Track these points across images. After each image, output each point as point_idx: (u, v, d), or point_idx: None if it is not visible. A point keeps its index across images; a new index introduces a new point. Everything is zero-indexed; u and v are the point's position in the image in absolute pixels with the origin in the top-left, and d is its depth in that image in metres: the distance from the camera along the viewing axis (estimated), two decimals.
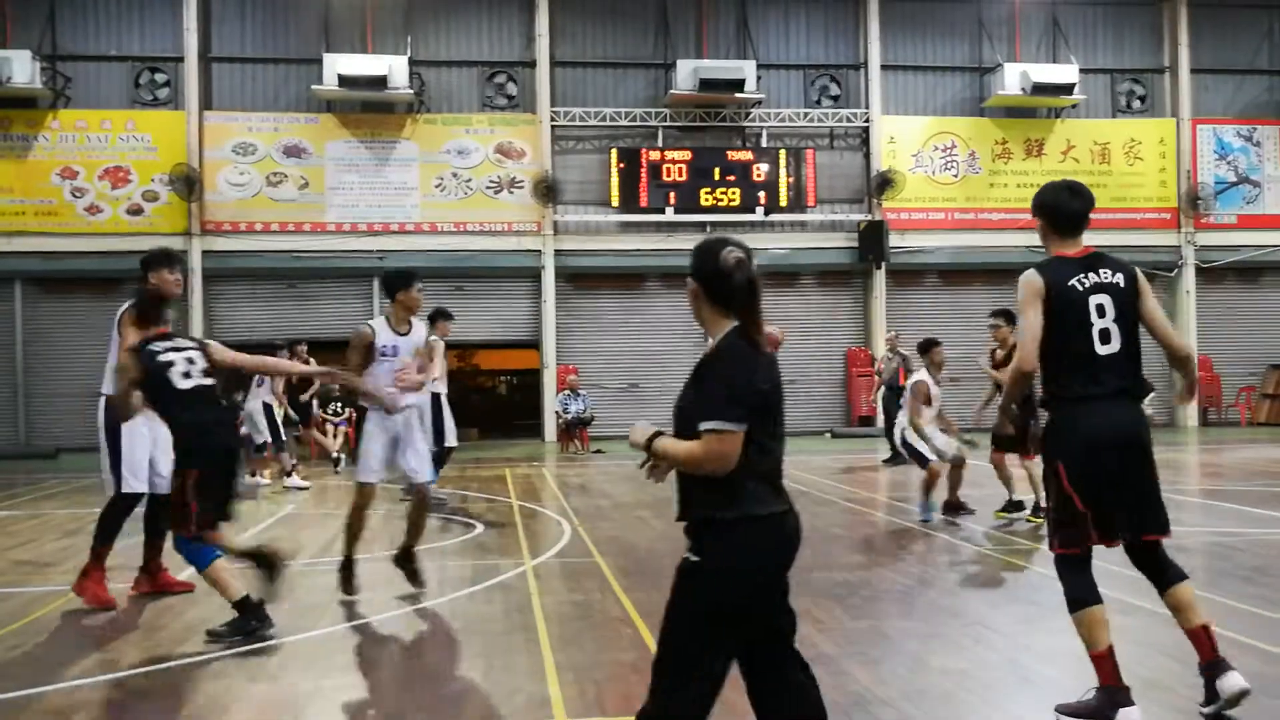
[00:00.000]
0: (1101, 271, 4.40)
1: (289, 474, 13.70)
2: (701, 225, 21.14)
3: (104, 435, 6.95)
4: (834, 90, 22.71)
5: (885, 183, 22.17)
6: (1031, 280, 4.39)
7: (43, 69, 20.16)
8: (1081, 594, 4.29)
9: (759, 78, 21.58)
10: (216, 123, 20.93)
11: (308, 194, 21.05)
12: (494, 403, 29.89)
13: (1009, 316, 9.80)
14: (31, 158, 20.51)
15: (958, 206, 22.64)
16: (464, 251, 21.20)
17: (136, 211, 20.71)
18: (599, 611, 6.42)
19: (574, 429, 19.41)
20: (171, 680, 5.20)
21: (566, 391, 19.74)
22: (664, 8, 22.16)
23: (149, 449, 6.98)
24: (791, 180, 21.95)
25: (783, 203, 21.91)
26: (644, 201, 21.51)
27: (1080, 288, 4.35)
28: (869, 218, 22.25)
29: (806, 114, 22.37)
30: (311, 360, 15.53)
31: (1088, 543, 4.32)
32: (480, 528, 9.90)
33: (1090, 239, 4.53)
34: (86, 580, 6.81)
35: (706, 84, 21.21)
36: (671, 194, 21.53)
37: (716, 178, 21.76)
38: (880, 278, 22.26)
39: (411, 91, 20.84)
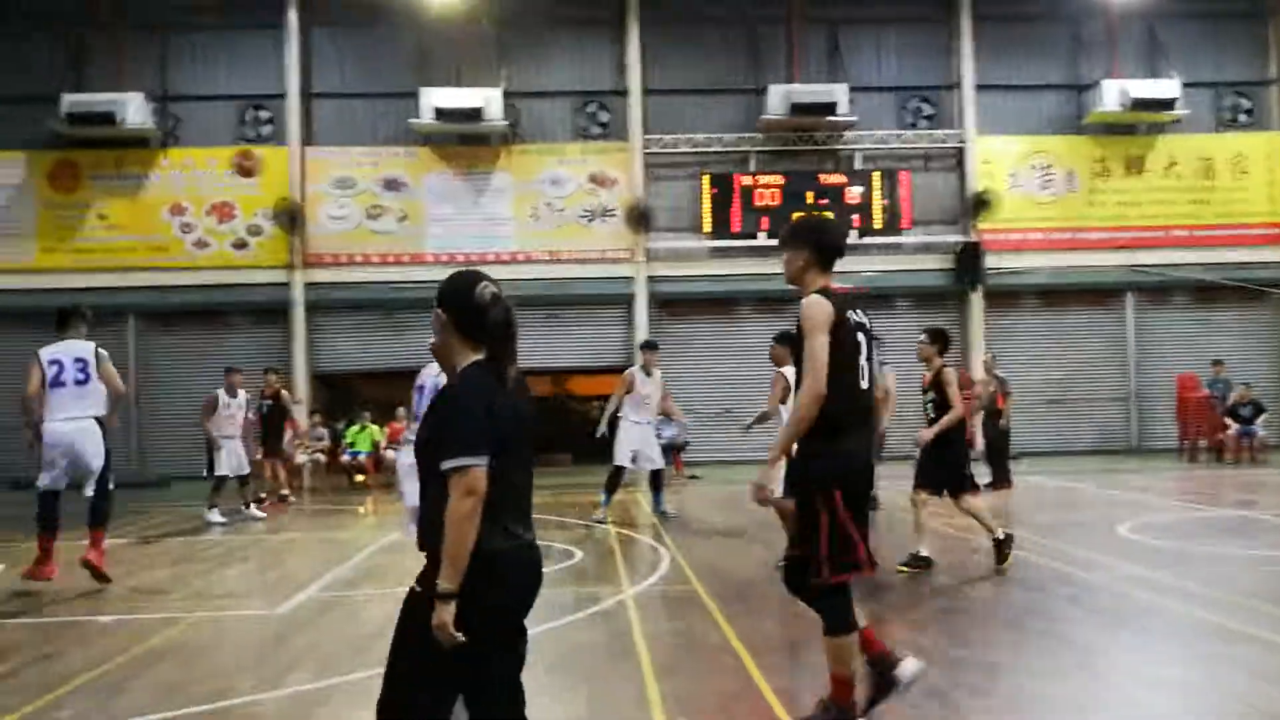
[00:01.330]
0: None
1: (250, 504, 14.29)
2: None
3: None
4: (927, 111, 22.53)
5: (981, 203, 21.88)
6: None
7: (154, 110, 20.90)
8: (851, 618, 4.48)
9: (851, 100, 21.50)
10: (318, 158, 21.49)
11: (406, 226, 21.48)
12: (587, 429, 29.99)
13: (935, 335, 9.30)
14: (143, 195, 21.25)
15: (1055, 226, 22.24)
16: (557, 279, 21.43)
17: (241, 246, 21.32)
18: (700, 640, 6.43)
19: (668, 455, 19.44)
20: (284, 710, 5.33)
21: (660, 417, 19.75)
22: (754, 33, 22.23)
23: None
24: (885, 203, 21.79)
25: (877, 225, 21.75)
26: (736, 227, 21.53)
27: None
28: (965, 239, 21.99)
29: (900, 135, 22.22)
30: (283, 392, 16.11)
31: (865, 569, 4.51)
32: (578, 555, 9.96)
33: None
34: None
35: (798, 108, 21.21)
36: (764, 219, 21.52)
37: (809, 201, 21.69)
38: (977, 300, 21.96)
39: (506, 123, 21.17)
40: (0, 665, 6.26)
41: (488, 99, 20.90)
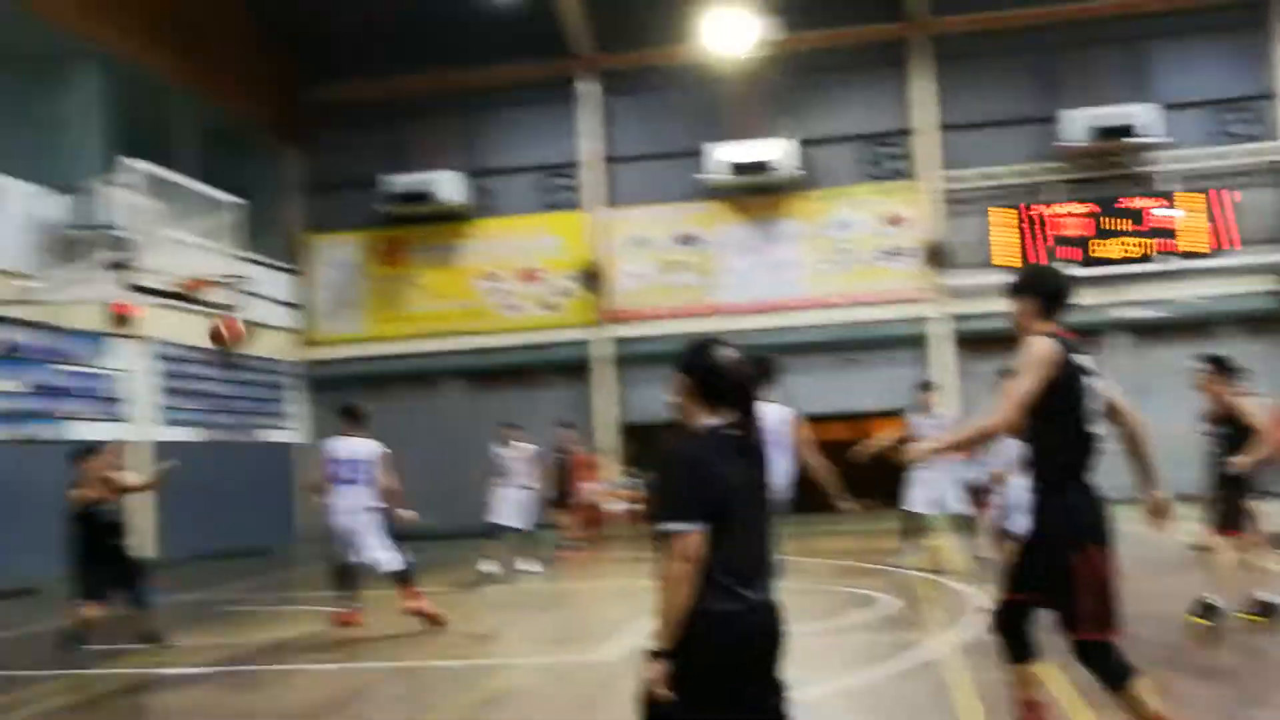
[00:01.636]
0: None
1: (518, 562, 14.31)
2: (1100, 279, 20.08)
3: None
4: (1243, 124, 21.00)
5: None
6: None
7: (466, 185, 22.43)
8: (1128, 661, 4.33)
9: (1157, 118, 20.36)
10: (617, 218, 22.38)
11: (702, 278, 21.99)
12: (886, 472, 29.46)
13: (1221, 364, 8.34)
14: (458, 265, 22.79)
15: None
16: (853, 323, 21.31)
17: (549, 307, 22.44)
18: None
19: (978, 496, 18.82)
20: None
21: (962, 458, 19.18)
22: (1049, 58, 21.48)
23: None
24: (1199, 224, 20.43)
25: (1190, 248, 20.42)
26: (1038, 259, 20.74)
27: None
28: None
29: (1213, 152, 20.82)
30: (575, 445, 16.56)
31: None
32: (887, 600, 9.83)
33: None
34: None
35: (1100, 131, 20.30)
36: (1066, 249, 20.64)
37: (1114, 228, 20.66)
38: None
39: (794, 171, 21.36)
40: (349, 710, 6.83)
41: (776, 149, 21.19)
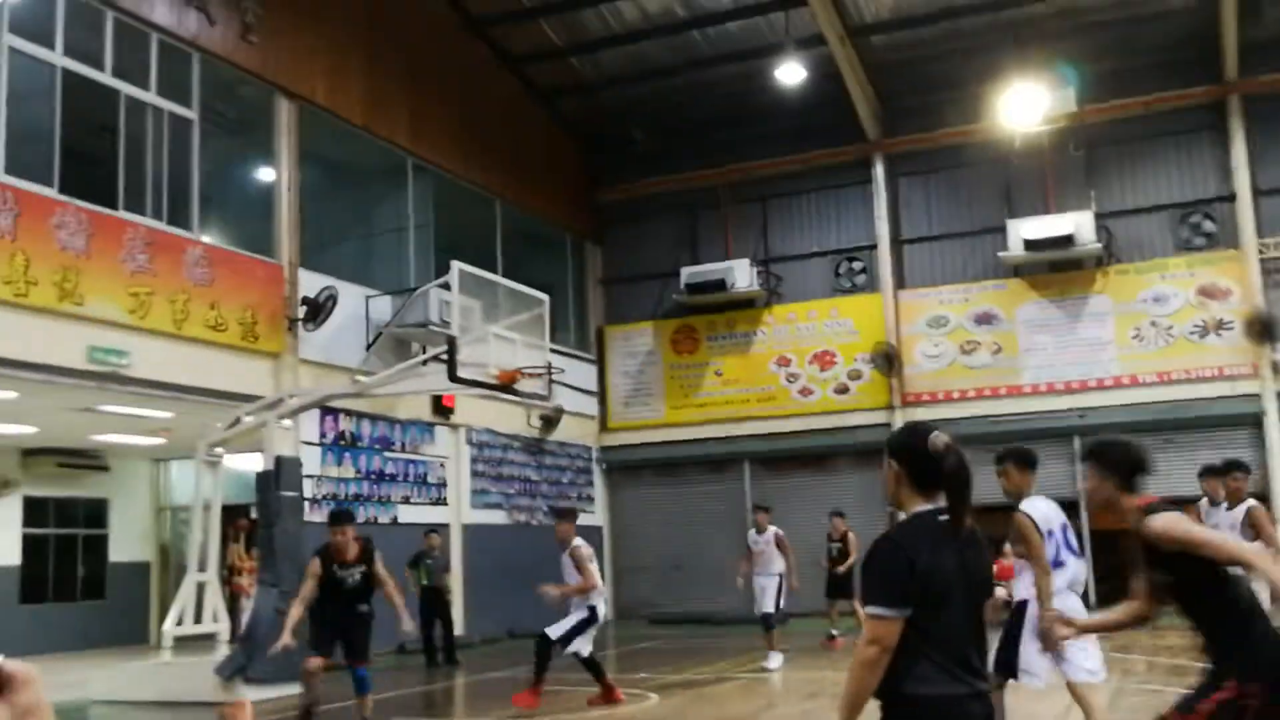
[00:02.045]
0: None
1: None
2: None
3: None
4: None
5: None
6: None
7: (758, 273, 22.80)
8: None
9: None
10: (910, 300, 22.13)
11: (1001, 358, 21.34)
12: None
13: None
14: (752, 351, 23.10)
15: None
16: (1169, 402, 20.05)
17: (843, 390, 22.35)
18: None
19: None
20: None
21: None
22: None
23: None
24: None
25: None
26: None
27: None
28: None
29: None
30: (850, 534, 16.22)
31: None
32: None
33: None
34: None
35: None
36: None
37: None
38: None
39: (1099, 245, 20.50)
40: None
41: (1078, 223, 20.40)
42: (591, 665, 10.81)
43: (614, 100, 23.24)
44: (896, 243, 22.44)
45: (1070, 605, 6.61)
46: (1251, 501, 9.20)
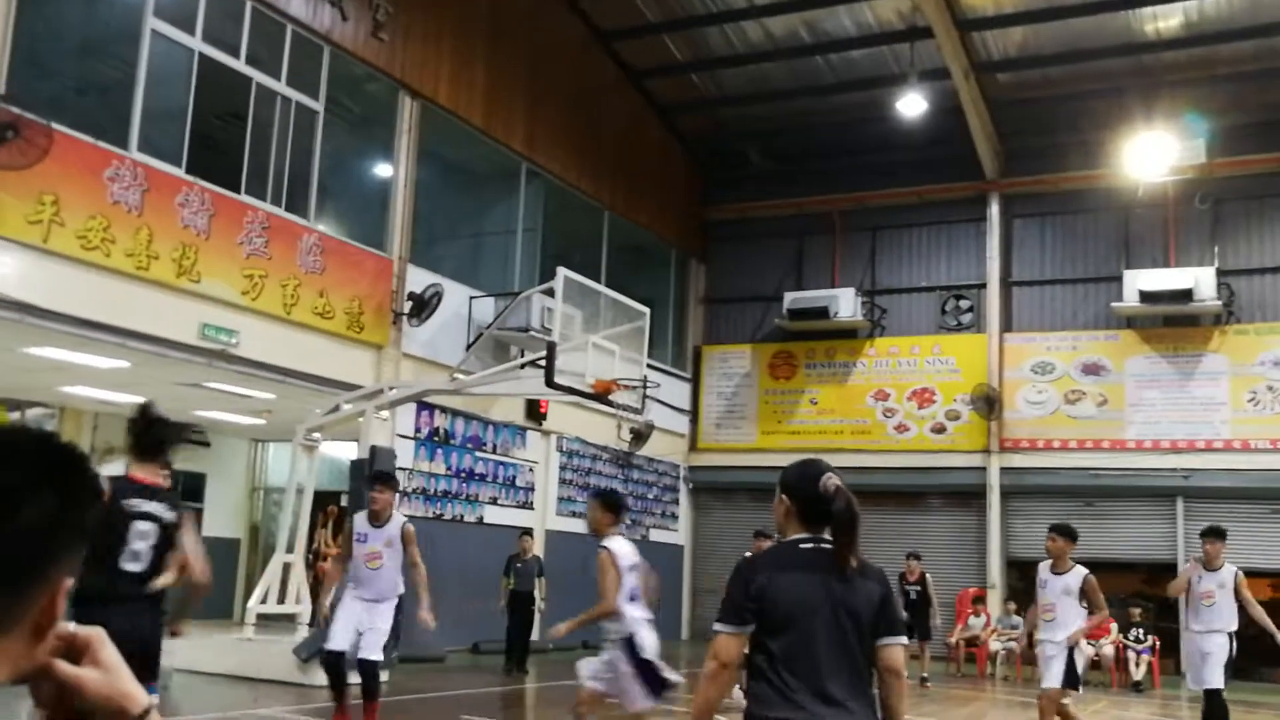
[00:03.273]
0: None
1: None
2: None
3: None
4: None
5: None
6: None
7: (863, 303, 22.56)
8: None
9: None
10: (1016, 344, 21.68)
11: (1106, 411, 20.79)
12: None
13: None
14: (850, 382, 22.84)
15: None
16: None
17: (940, 430, 21.97)
18: None
19: None
20: None
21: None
22: None
23: None
24: None
25: None
26: None
27: None
28: None
29: None
30: (926, 576, 15.52)
31: None
32: None
33: None
34: None
35: None
36: None
37: None
38: None
39: (1219, 302, 19.86)
40: None
41: (1198, 278, 19.78)
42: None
43: (731, 119, 23.23)
44: (1006, 284, 22.03)
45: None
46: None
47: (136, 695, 1.32)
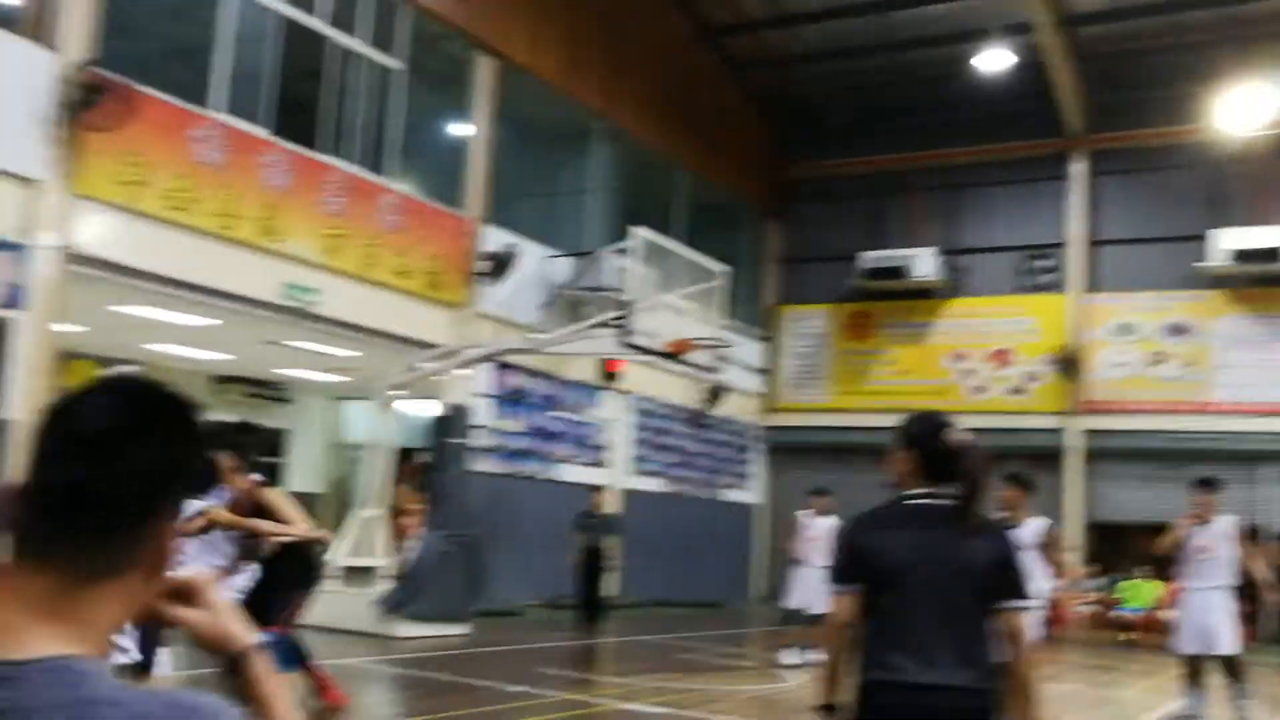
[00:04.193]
0: None
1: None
2: None
3: None
4: None
5: None
6: None
7: (941, 263, 22.24)
8: None
9: None
10: (1098, 304, 21.26)
11: (1191, 372, 20.34)
12: None
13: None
14: (928, 342, 22.59)
15: None
16: None
17: (1018, 391, 21.67)
18: None
19: None
20: None
21: None
22: None
23: None
24: None
25: None
26: None
27: None
28: None
29: None
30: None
31: None
32: None
33: None
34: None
35: None
36: None
37: None
38: None
39: None
40: None
41: None
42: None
43: (808, 77, 22.93)
44: (1089, 243, 21.57)
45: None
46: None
47: (241, 635, 1.38)
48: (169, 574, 1.34)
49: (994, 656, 3.22)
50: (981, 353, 22.06)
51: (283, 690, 1.39)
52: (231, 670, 1.38)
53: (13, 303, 10.39)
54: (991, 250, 22.45)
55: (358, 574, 13.77)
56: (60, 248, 10.77)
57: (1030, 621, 7.06)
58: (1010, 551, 3.32)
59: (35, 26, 10.88)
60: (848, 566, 3.31)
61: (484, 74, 16.54)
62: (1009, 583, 3.26)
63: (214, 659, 1.37)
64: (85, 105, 10.65)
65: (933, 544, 3.22)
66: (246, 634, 1.39)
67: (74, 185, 10.89)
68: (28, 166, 10.58)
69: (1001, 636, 3.24)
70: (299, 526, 6.72)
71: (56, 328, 10.90)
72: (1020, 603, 3.28)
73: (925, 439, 3.36)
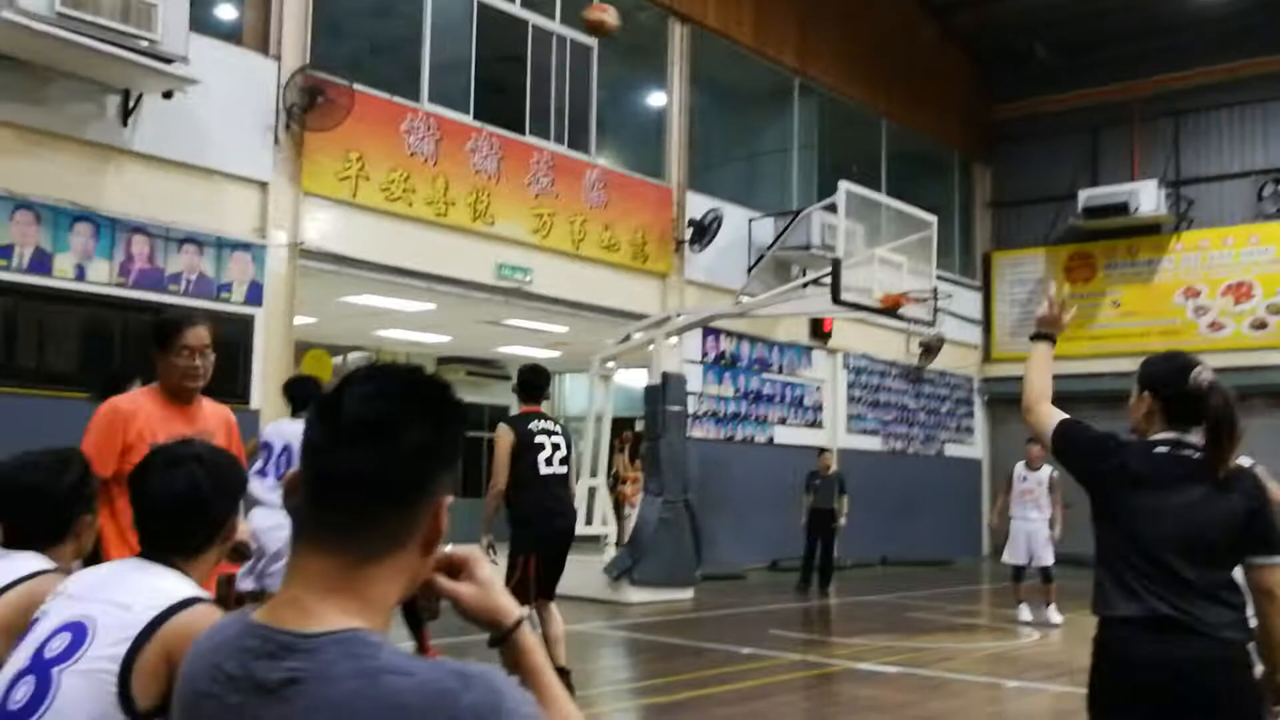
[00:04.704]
0: None
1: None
2: None
3: None
4: None
5: None
6: None
7: (1166, 196, 21.02)
8: None
9: None
10: None
11: None
12: None
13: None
14: (1156, 281, 21.43)
15: None
16: None
17: (1260, 326, 20.32)
18: None
19: None
20: None
21: None
22: None
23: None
24: None
25: None
26: None
27: None
28: None
29: None
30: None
31: None
32: None
33: None
34: None
35: None
36: None
37: None
38: None
39: None
40: None
41: None
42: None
43: (1011, 12, 21.91)
44: None
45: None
46: None
47: (509, 608, 1.43)
48: (441, 549, 1.40)
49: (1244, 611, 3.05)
50: (1216, 288, 20.78)
51: (549, 663, 1.43)
52: (500, 643, 1.43)
53: (253, 299, 11.06)
54: (1221, 178, 21.08)
55: (585, 542, 14.12)
56: (292, 245, 11.39)
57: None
58: (1261, 504, 3.09)
59: (257, 37, 11.50)
60: (1096, 447, 3.25)
61: (677, 41, 16.54)
62: (1260, 537, 3.05)
63: (485, 631, 1.42)
64: (306, 108, 11.21)
65: (1174, 494, 3.06)
66: (515, 607, 1.44)
67: (300, 184, 11.50)
68: (259, 170, 11.23)
69: (1254, 593, 3.06)
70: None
71: (293, 320, 11.55)
72: (1272, 559, 3.04)
73: (1167, 381, 3.19)
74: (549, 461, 7.06)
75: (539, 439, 7.07)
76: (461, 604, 1.43)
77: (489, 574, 1.45)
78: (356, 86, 11.61)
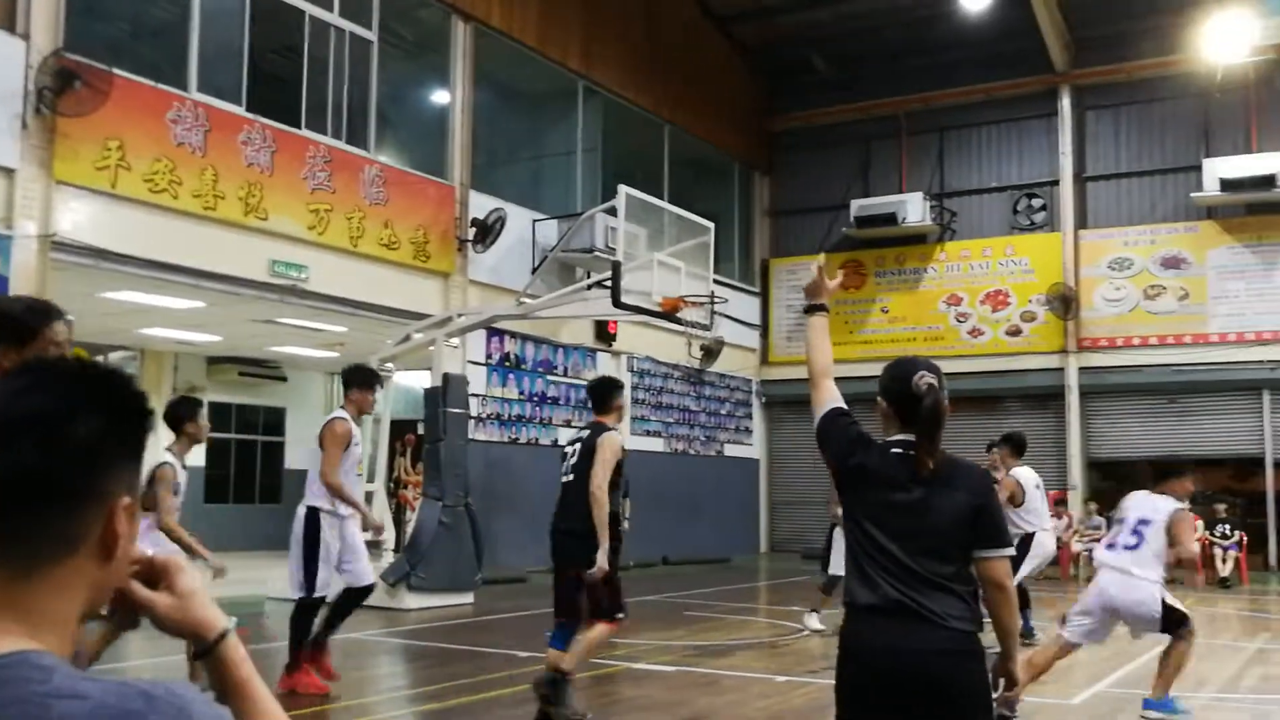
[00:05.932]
0: None
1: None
2: None
3: (302, 543, 7.71)
4: None
5: None
6: None
7: (932, 208, 22.12)
8: None
9: None
10: (1092, 241, 21.18)
11: (1187, 305, 20.28)
12: None
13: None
14: (922, 288, 22.52)
15: None
16: None
17: (1015, 333, 21.63)
18: None
19: None
20: None
21: None
22: None
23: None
24: None
25: None
26: None
27: None
28: None
29: None
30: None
31: None
32: None
33: None
34: (295, 674, 7.50)
35: None
36: None
37: None
38: None
39: None
40: None
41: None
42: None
43: (791, 26, 22.67)
44: (1080, 179, 21.47)
45: None
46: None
47: (211, 620, 1.33)
48: (137, 555, 1.29)
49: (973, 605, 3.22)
50: (976, 295, 22.01)
51: (256, 676, 1.34)
52: (204, 655, 1.33)
53: None
54: (982, 192, 22.36)
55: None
56: (42, 236, 10.67)
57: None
58: (985, 500, 3.27)
59: (3, 14, 10.72)
60: (845, 445, 3.45)
61: (460, 39, 16.35)
62: (985, 532, 3.24)
63: (189, 643, 1.32)
64: (59, 91, 10.52)
65: (898, 492, 3.26)
66: (218, 620, 1.34)
67: (52, 172, 10.78)
68: (3, 156, 10.46)
69: (983, 584, 3.24)
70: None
71: None
72: (997, 551, 3.25)
73: (893, 387, 3.40)
74: (564, 472, 7.15)
75: (566, 449, 7.19)
76: (156, 616, 1.32)
77: (190, 584, 1.34)
78: (116, 71, 10.98)
